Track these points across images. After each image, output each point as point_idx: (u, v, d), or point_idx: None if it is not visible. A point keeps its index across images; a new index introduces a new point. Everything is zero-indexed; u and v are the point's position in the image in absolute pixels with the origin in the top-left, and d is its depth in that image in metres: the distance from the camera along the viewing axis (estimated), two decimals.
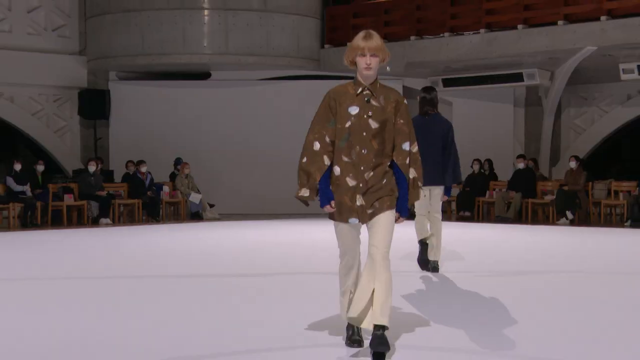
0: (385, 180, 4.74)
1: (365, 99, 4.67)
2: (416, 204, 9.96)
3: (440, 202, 10.52)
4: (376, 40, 4.63)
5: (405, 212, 4.74)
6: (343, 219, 4.70)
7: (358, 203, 4.67)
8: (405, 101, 4.82)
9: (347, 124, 4.61)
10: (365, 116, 4.64)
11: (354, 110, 4.62)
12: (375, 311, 4.58)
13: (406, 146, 4.81)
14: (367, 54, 4.54)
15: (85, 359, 6.05)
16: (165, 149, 21.12)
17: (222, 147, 22.06)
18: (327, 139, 4.64)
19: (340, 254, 4.94)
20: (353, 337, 5.02)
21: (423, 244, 10.42)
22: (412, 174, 4.82)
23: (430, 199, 10.33)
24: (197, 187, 20.31)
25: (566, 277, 10.21)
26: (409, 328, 7.30)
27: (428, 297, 9.24)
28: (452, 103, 22.34)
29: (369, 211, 4.64)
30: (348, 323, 5.07)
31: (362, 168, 4.65)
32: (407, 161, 4.79)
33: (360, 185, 4.65)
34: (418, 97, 10.58)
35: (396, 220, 4.72)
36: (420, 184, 4.82)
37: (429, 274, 10.37)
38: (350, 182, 4.67)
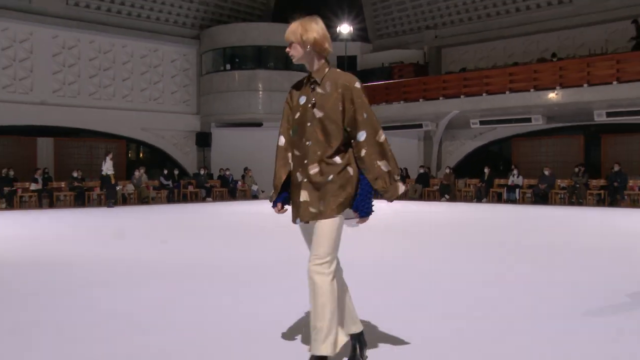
0: (331, 177, 2.78)
1: (311, 87, 2.87)
2: None
3: None
4: (290, 28, 2.88)
5: (364, 212, 2.83)
6: (293, 219, 2.91)
7: (301, 199, 2.83)
8: (357, 84, 2.84)
9: (297, 115, 2.88)
10: (309, 105, 2.84)
11: (302, 100, 2.89)
12: (312, 339, 2.78)
13: (361, 136, 2.80)
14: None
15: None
16: (239, 161, 21.92)
17: (267, 160, 21.50)
18: (290, 133, 2.94)
19: None
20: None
21: None
22: (384, 167, 2.81)
23: None
24: (255, 181, 21.53)
25: (448, 226, 11.40)
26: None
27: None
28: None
29: (313, 210, 2.79)
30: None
31: (305, 162, 2.81)
32: (363, 153, 2.79)
33: (305, 180, 2.81)
34: None
35: (358, 222, 2.88)
36: (396, 176, 2.84)
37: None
38: (298, 177, 2.86)
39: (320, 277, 2.71)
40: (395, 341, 3.45)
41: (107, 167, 16.92)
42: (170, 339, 3.50)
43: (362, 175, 2.81)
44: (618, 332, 3.70)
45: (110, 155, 17.41)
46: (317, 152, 2.76)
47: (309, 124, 2.78)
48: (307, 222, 2.81)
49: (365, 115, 2.76)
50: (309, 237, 2.86)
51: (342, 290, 2.88)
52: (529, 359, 3.16)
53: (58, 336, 3.59)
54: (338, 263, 2.84)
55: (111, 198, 17.02)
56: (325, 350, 2.71)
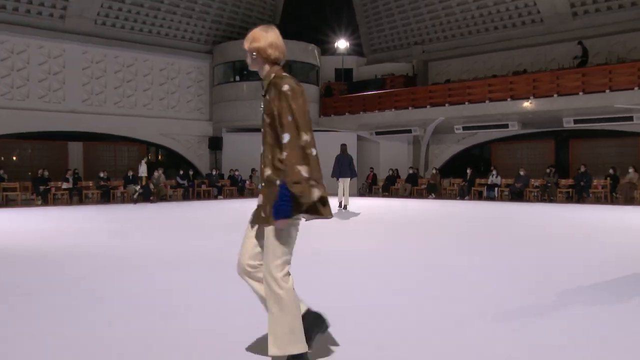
0: (277, 182, 2.58)
1: (262, 93, 2.70)
2: (340, 184, 12.77)
3: (348, 184, 13.03)
4: (247, 37, 2.77)
5: (278, 215, 2.49)
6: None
7: (258, 202, 2.68)
8: (285, 87, 2.56)
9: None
10: (262, 112, 2.67)
11: (261, 106, 2.74)
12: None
13: (284, 139, 2.54)
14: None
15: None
16: (247, 163, 21.84)
17: None
18: None
19: None
20: None
21: (340, 204, 13.02)
22: (304, 172, 2.50)
23: (343, 183, 12.94)
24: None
25: (435, 218, 11.76)
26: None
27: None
28: (379, 143, 23.41)
29: (262, 215, 2.63)
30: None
31: (262, 166, 2.66)
32: (284, 156, 2.51)
33: (262, 184, 2.66)
34: (341, 145, 13.44)
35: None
36: (313, 182, 2.49)
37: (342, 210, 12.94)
38: (259, 181, 2.73)
39: (269, 285, 2.56)
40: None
41: (142, 170, 17.54)
42: (190, 322, 3.43)
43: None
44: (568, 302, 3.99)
45: (145, 160, 18.20)
46: (268, 156, 2.63)
47: (262, 130, 2.68)
48: (258, 226, 2.70)
49: (289, 118, 2.53)
50: (261, 241, 2.69)
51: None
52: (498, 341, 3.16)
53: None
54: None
55: (146, 196, 17.47)
56: (275, 350, 2.57)
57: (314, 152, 2.55)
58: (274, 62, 2.72)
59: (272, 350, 2.58)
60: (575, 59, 19.15)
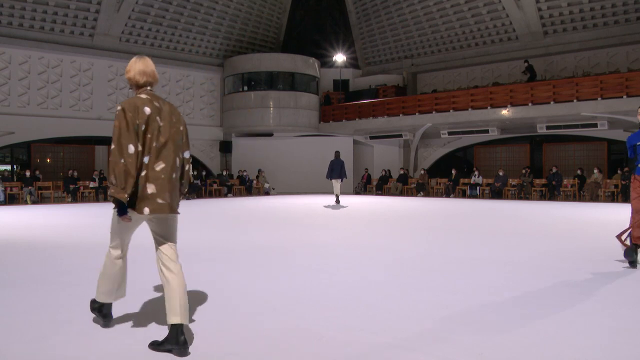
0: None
1: None
2: (333, 183, 14.33)
3: (339, 184, 14.20)
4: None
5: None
6: None
7: None
8: (118, 108, 2.76)
9: None
10: None
11: None
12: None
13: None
14: None
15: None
16: (254, 164, 22.34)
17: (277, 163, 22.31)
18: None
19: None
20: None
21: (337, 200, 14.33)
22: (112, 179, 2.73)
23: (336, 183, 14.16)
24: (267, 180, 21.69)
25: (424, 215, 11.52)
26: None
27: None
28: (373, 146, 23.36)
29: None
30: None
31: None
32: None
33: None
34: (335, 152, 14.59)
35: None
36: (112, 181, 2.72)
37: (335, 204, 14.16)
38: None
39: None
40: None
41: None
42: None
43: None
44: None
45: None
46: None
47: None
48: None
49: (113, 135, 2.74)
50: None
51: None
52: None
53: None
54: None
55: (192, 192, 17.98)
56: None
57: (122, 161, 2.70)
58: (143, 86, 2.91)
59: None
60: (523, 73, 19.22)
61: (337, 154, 13.81)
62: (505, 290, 4.00)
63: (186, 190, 3.18)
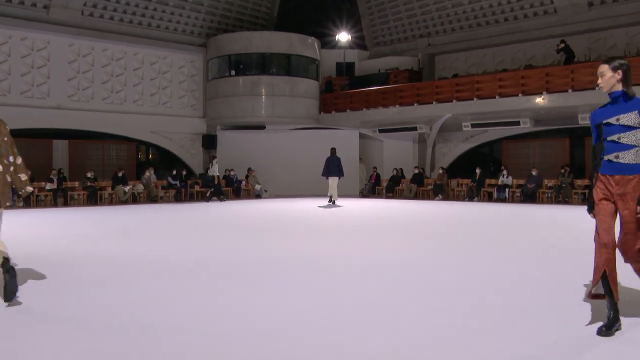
0: None
1: None
2: (330, 182, 15.59)
3: (336, 182, 15.13)
4: None
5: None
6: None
7: None
8: None
9: None
10: None
11: None
12: None
13: None
14: None
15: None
16: (242, 162, 22.07)
17: (270, 161, 22.30)
18: None
19: None
20: None
21: (330, 200, 15.75)
22: None
23: (331, 181, 15.25)
24: (258, 181, 21.70)
25: (440, 220, 12.32)
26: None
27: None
28: (383, 141, 23.53)
29: None
30: None
31: None
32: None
33: None
34: (331, 149, 15.44)
35: None
36: None
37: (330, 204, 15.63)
38: None
39: None
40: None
41: (214, 170, 19.37)
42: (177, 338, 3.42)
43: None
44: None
45: (216, 160, 19.87)
46: None
47: None
48: None
49: None
50: None
51: None
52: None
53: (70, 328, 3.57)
54: None
55: (218, 195, 19.19)
56: None
57: None
58: None
59: None
60: (557, 52, 19.04)
61: (333, 150, 14.70)
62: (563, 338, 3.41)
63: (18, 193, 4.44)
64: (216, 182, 19.26)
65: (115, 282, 5.22)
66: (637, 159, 3.59)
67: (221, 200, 19.00)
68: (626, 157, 3.60)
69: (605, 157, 3.62)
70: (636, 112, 3.58)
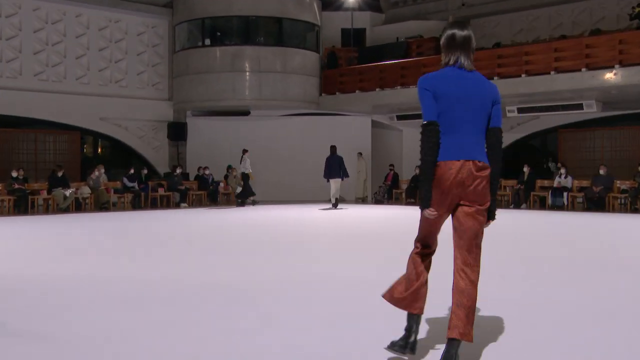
0: None
1: None
2: (332, 184, 16.96)
3: (339, 184, 15.97)
4: None
5: None
6: None
7: None
8: None
9: None
10: None
11: None
12: None
13: None
14: None
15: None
16: (221, 159, 22.22)
17: (256, 157, 22.07)
18: None
19: None
20: None
21: (335, 201, 17.25)
22: None
23: (334, 183, 16.49)
24: (241, 182, 21.09)
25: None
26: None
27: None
28: (402, 130, 23.66)
29: None
30: None
31: None
32: None
33: None
34: (331, 147, 16.53)
35: None
36: None
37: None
38: None
39: None
40: None
41: (245, 166, 19.47)
42: None
43: None
44: None
45: (248, 154, 19.74)
46: None
47: None
48: None
49: None
50: None
51: None
52: None
53: None
54: None
55: (246, 196, 19.64)
56: None
57: None
58: None
59: None
60: (632, 20, 19.05)
61: (333, 149, 15.58)
62: None
63: None
64: (250, 179, 19.76)
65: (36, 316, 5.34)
66: None
67: (253, 204, 19.68)
68: None
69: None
70: None
